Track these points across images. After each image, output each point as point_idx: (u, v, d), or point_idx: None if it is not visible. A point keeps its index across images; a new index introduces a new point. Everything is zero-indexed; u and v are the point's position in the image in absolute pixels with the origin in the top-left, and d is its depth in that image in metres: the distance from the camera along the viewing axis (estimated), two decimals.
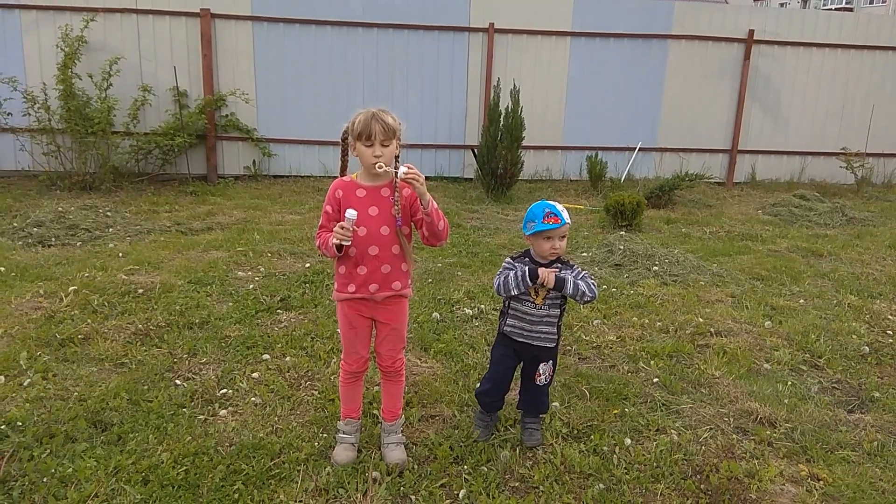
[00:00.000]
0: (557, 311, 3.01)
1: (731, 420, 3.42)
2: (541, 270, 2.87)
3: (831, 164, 11.21)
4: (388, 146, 2.64)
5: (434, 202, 2.67)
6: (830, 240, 7.48)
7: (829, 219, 8.50)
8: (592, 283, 2.93)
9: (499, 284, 2.96)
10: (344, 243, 2.61)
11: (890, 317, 5.00)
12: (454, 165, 10.60)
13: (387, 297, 2.81)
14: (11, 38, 8.98)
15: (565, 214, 2.87)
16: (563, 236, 2.91)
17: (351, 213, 2.56)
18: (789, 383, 3.84)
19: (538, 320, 2.99)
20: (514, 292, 2.93)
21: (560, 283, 2.86)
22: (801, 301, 5.30)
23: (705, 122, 10.95)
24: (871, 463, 3.07)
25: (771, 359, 4.19)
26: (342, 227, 2.57)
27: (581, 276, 2.94)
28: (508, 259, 3.04)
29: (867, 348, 4.37)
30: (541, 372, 3.07)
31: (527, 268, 2.89)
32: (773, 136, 11.21)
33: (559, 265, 2.97)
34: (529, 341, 3.02)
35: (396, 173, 2.58)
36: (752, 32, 10.58)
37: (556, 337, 3.05)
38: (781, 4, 58.14)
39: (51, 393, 3.41)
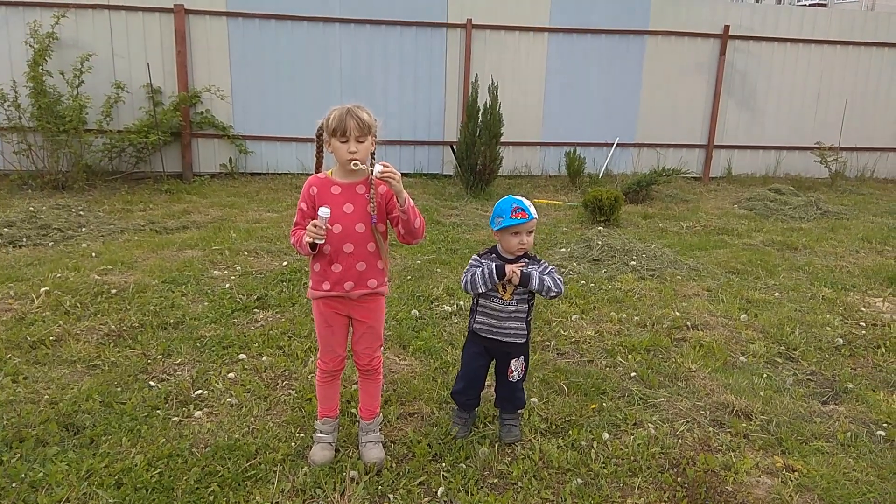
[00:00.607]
0: (526, 307, 3.01)
1: (708, 413, 3.44)
2: (508, 267, 2.87)
3: (806, 159, 11.36)
4: (363, 142, 2.62)
5: (410, 200, 2.65)
6: (805, 233, 7.58)
7: (803, 212, 8.61)
8: (558, 279, 2.94)
9: (466, 282, 2.96)
10: (317, 241, 2.59)
11: (863, 309, 5.07)
12: (433, 162, 10.57)
13: (362, 295, 2.79)
14: None
15: (532, 209, 2.88)
16: (531, 231, 2.92)
17: (324, 212, 2.54)
18: (765, 376, 3.88)
19: (507, 316, 2.98)
20: (482, 290, 2.94)
21: (526, 279, 2.87)
22: (776, 294, 5.35)
23: (682, 118, 11.03)
24: (844, 453, 3.11)
25: (746, 351, 4.23)
26: (315, 226, 2.55)
27: (547, 271, 2.95)
28: (475, 256, 3.04)
29: (841, 340, 4.42)
30: (513, 368, 3.07)
31: (494, 265, 2.89)
32: (749, 131, 11.33)
33: (526, 260, 2.98)
34: (499, 338, 3.02)
35: (372, 171, 2.56)
36: (727, 28, 10.67)
37: (525, 332, 3.05)
38: (757, 0, 58.74)
39: (21, 396, 3.34)
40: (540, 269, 2.94)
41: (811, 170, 11.33)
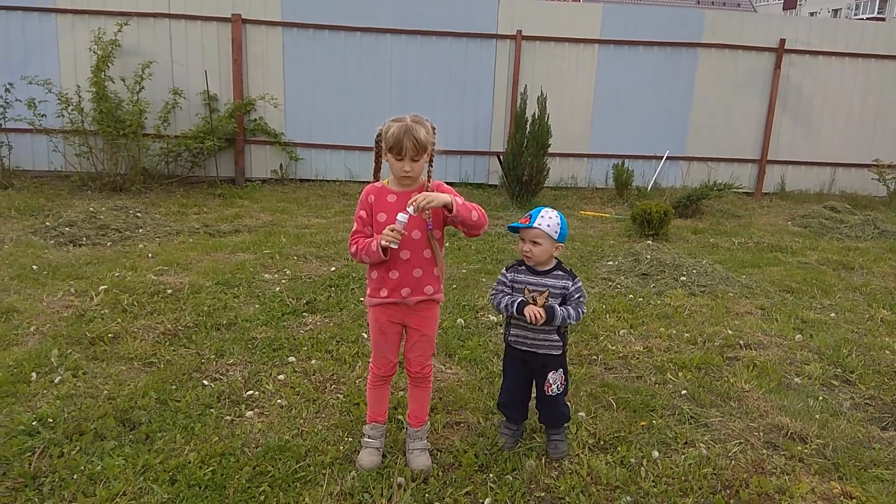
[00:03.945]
0: None
1: (761, 434, 3.36)
2: (527, 310, 2.85)
3: (863, 176, 11.02)
4: (417, 161, 2.65)
5: (458, 199, 2.64)
6: (862, 253, 7.34)
7: (860, 231, 8.34)
8: (582, 311, 2.96)
9: (494, 304, 3.02)
10: (392, 246, 2.61)
11: None
12: (479, 172, 10.59)
13: (419, 302, 2.81)
14: (47, 40, 9.17)
15: (543, 220, 2.85)
16: (535, 241, 2.89)
17: (402, 217, 2.57)
18: (820, 398, 3.76)
19: (540, 328, 2.97)
20: (506, 315, 3.01)
21: (550, 317, 2.87)
22: (832, 315, 5.20)
23: (734, 132, 10.82)
24: None
25: (801, 373, 4.12)
26: (393, 230, 2.57)
27: (575, 298, 2.95)
28: (503, 271, 3.06)
29: None
30: (551, 381, 3.04)
31: (516, 302, 2.91)
32: (804, 147, 11.04)
33: (561, 272, 2.98)
34: (534, 350, 3.02)
35: (415, 210, 2.58)
36: (783, 41, 10.45)
37: (560, 343, 3.03)
38: (811, 14, 57.42)
39: (81, 391, 3.46)
40: (572, 290, 2.95)
41: (868, 187, 10.99)
